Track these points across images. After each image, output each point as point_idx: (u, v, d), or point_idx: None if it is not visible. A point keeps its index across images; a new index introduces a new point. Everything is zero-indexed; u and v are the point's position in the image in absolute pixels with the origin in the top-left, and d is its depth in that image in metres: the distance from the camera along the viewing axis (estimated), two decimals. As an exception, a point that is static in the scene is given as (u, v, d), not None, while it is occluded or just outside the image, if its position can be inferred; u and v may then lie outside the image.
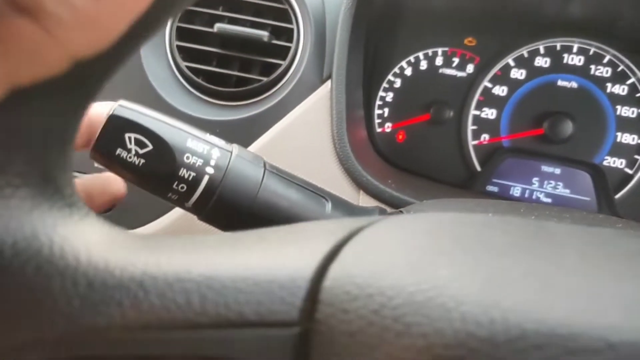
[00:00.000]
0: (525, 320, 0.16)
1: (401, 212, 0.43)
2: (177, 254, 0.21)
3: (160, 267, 0.20)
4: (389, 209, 0.51)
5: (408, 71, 0.74)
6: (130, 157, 0.35)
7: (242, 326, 0.19)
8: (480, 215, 0.25)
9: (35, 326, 0.19)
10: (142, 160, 0.36)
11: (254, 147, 0.61)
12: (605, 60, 0.69)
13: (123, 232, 0.22)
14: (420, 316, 0.17)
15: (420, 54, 0.73)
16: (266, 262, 0.20)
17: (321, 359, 0.18)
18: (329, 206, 0.41)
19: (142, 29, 0.21)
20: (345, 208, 0.42)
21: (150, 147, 0.36)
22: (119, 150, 0.35)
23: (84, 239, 0.21)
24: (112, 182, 0.43)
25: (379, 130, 0.75)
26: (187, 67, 0.63)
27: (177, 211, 0.60)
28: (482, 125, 0.72)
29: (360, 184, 0.60)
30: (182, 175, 0.36)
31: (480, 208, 0.40)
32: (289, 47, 0.63)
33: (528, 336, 0.16)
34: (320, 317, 0.19)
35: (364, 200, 0.60)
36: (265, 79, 0.63)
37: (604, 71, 0.69)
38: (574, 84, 0.70)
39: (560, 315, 0.16)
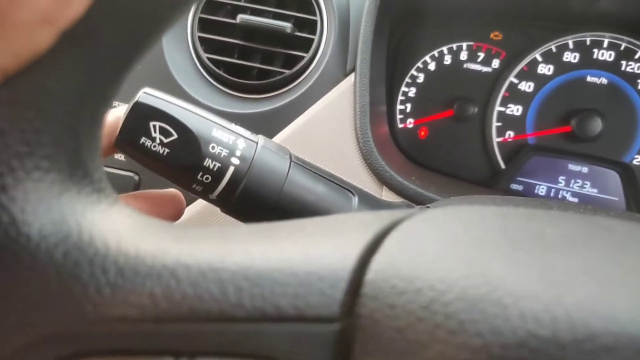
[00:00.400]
0: (591, 317, 0.15)
1: (428, 208, 0.42)
2: (210, 243, 0.20)
3: (194, 256, 0.19)
4: (414, 206, 0.50)
5: (432, 66, 0.72)
6: (154, 146, 0.35)
7: (279, 320, 0.18)
8: (525, 208, 0.24)
9: (63, 314, 0.18)
10: (167, 150, 0.35)
11: (274, 141, 0.60)
12: (636, 56, 0.67)
13: (153, 221, 0.21)
14: (475, 313, 0.16)
15: (445, 49, 0.72)
16: (304, 253, 0.19)
17: (365, 356, 0.17)
18: (355, 200, 0.40)
19: None
20: (372, 203, 0.41)
21: (175, 136, 0.35)
22: (143, 139, 0.34)
23: (114, 226, 0.20)
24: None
25: (400, 126, 0.73)
26: (209, 58, 0.62)
27: (200, 203, 0.59)
28: (507, 121, 0.70)
29: (383, 180, 0.58)
30: (207, 165, 0.35)
31: (513, 205, 0.38)
32: (312, 39, 0.62)
33: (596, 336, 0.14)
34: (363, 312, 0.17)
35: (387, 197, 0.59)
36: (287, 72, 0.62)
37: (635, 67, 0.67)
38: (604, 80, 0.68)
39: (631, 313, 0.15)
